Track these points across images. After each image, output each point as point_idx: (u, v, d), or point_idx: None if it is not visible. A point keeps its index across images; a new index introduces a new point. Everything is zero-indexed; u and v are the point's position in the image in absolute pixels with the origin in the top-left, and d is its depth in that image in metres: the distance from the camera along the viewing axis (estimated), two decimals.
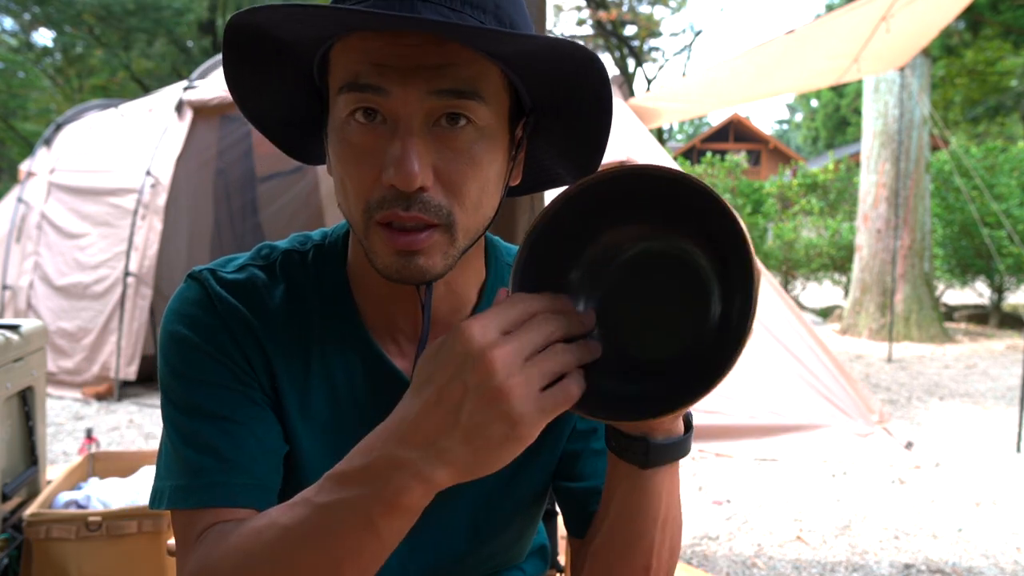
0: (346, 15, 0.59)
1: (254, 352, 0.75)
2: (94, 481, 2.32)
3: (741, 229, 0.56)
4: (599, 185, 0.62)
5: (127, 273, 4.96)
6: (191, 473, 0.71)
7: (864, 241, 7.91)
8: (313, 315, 0.77)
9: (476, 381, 0.52)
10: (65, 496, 2.17)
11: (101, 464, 2.43)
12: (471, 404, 0.53)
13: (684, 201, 0.60)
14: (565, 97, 0.71)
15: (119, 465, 2.44)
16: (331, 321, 0.77)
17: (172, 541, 0.81)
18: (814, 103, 34.11)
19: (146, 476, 2.32)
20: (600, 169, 0.64)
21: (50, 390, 4.88)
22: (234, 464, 0.71)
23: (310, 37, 0.67)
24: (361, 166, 0.65)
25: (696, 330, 0.61)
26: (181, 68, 18.10)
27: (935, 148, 8.99)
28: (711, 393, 0.56)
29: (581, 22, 21.67)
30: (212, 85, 5.35)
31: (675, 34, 40.07)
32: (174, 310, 0.76)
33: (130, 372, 4.94)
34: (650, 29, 22.51)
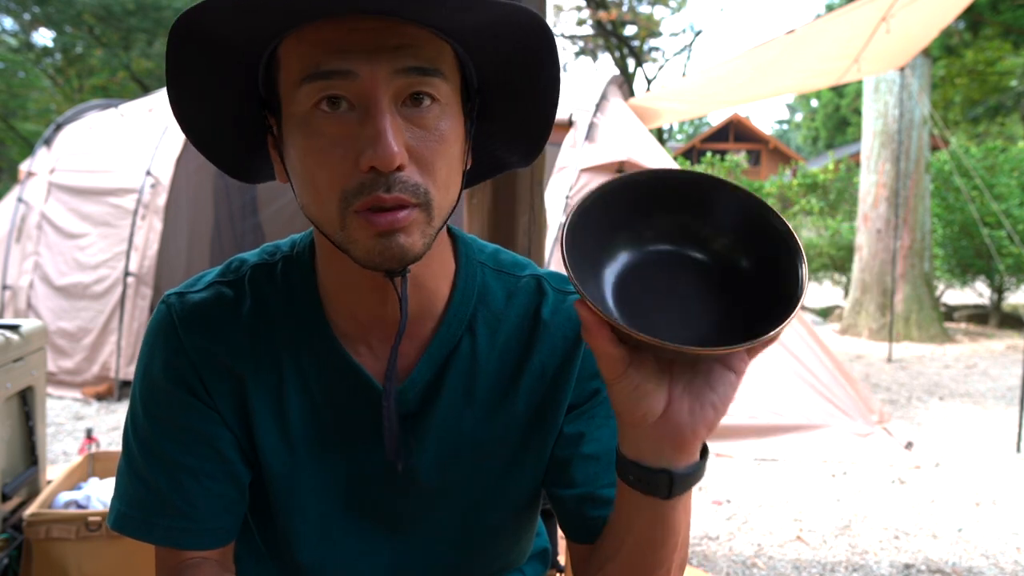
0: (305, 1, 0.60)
1: (219, 382, 0.76)
2: (94, 481, 2.31)
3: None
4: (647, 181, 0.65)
5: (127, 273, 4.96)
6: (135, 505, 0.76)
7: (864, 241, 7.91)
8: (282, 327, 0.77)
9: None
10: (65, 496, 2.16)
11: (101, 464, 2.43)
12: None
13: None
14: (516, 74, 0.72)
15: None
16: (301, 332, 0.77)
17: None
18: (814, 103, 34.08)
19: None
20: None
21: (50, 390, 4.87)
22: (176, 509, 0.75)
23: (258, 34, 0.65)
24: (332, 156, 0.64)
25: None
26: None
27: (935, 148, 8.98)
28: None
29: (581, 22, 21.64)
30: None
31: (675, 34, 39.75)
32: (147, 340, 0.78)
33: (130, 372, 4.93)
34: (650, 29, 22.45)
